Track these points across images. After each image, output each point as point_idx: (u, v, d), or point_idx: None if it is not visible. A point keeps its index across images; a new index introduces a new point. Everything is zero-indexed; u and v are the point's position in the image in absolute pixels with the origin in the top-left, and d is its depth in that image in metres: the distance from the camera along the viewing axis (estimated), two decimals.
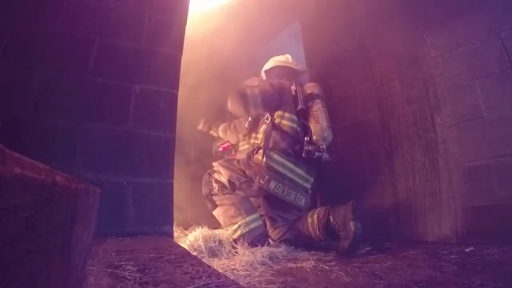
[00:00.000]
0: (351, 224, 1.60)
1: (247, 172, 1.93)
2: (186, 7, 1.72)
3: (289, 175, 1.93)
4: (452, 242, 1.66)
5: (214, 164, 2.04)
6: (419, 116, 1.93)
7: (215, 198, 1.94)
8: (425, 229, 1.82)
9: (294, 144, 1.99)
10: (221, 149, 2.40)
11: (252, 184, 1.90)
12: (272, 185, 1.87)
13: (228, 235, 1.84)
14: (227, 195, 1.92)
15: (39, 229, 0.34)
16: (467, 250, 1.47)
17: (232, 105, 2.02)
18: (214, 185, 1.95)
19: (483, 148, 1.63)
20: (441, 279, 1.12)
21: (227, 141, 2.41)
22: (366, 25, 2.28)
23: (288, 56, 2.34)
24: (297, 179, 1.97)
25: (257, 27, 2.95)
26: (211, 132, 2.40)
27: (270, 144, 1.97)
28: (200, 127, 2.40)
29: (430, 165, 1.86)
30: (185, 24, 1.71)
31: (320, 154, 1.94)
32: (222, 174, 1.95)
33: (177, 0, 1.69)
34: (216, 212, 1.94)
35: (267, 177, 1.87)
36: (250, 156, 1.99)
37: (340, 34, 2.43)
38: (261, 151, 1.95)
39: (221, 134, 2.43)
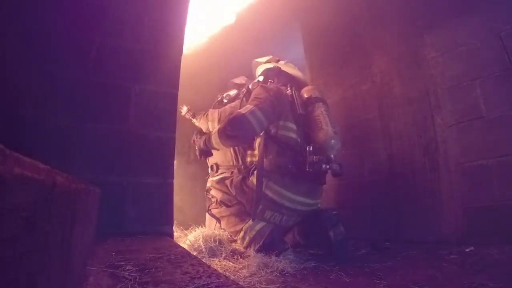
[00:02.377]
0: (330, 234, 1.58)
1: (239, 198, 1.76)
2: (186, 6, 1.72)
3: (287, 204, 1.67)
4: (452, 242, 1.66)
5: (208, 181, 1.99)
6: (419, 116, 1.93)
7: (214, 211, 1.87)
8: (425, 229, 1.82)
9: (295, 157, 1.71)
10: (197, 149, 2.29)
11: (245, 208, 1.72)
12: (268, 214, 1.66)
13: (240, 245, 1.69)
14: (224, 207, 1.82)
15: (39, 229, 0.34)
16: (467, 250, 1.47)
17: (234, 139, 1.73)
18: (213, 199, 1.91)
19: (483, 148, 1.63)
20: (441, 279, 1.12)
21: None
22: (366, 25, 2.28)
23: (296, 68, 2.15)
24: (298, 207, 1.71)
25: (258, 26, 2.95)
26: (194, 120, 2.26)
27: (266, 163, 1.70)
28: (183, 113, 2.25)
29: (430, 165, 1.86)
30: (185, 23, 1.71)
31: (327, 166, 1.66)
32: (215, 195, 1.90)
33: (177, 0, 1.69)
34: (223, 227, 1.82)
35: (261, 206, 1.64)
36: (245, 177, 1.77)
37: (340, 34, 2.43)
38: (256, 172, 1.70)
39: (197, 123, 2.22)
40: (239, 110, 1.74)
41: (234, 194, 1.79)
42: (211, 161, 2.07)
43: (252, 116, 1.67)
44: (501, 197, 1.54)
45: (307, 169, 1.64)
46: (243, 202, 1.73)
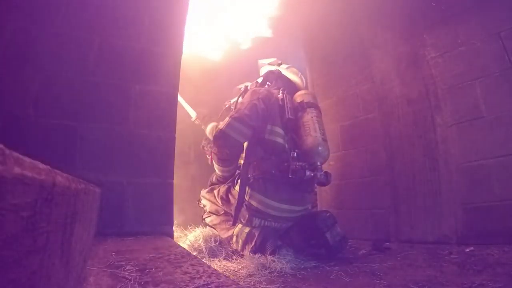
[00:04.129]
0: (327, 236, 1.58)
1: (225, 209, 1.78)
2: (186, 7, 1.72)
3: (272, 213, 1.66)
4: (452, 242, 1.66)
5: (201, 192, 2.04)
6: (419, 116, 1.93)
7: (207, 220, 1.91)
8: (425, 229, 1.82)
9: (280, 163, 1.66)
10: (210, 160, 2.30)
11: (232, 218, 1.73)
12: (256, 222, 1.65)
13: (237, 249, 1.68)
14: (214, 215, 1.88)
15: (39, 229, 0.34)
16: (467, 250, 1.47)
17: (226, 157, 1.72)
18: (204, 208, 1.95)
19: (483, 148, 1.63)
20: (441, 279, 1.12)
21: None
22: (366, 25, 2.28)
23: (303, 79, 2.11)
24: (284, 214, 1.68)
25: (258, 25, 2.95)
26: (203, 127, 2.28)
27: (250, 169, 1.70)
28: (193, 119, 2.28)
29: (430, 165, 1.86)
30: (185, 23, 1.71)
31: (311, 174, 1.62)
32: (205, 204, 1.95)
33: (176, 0, 1.69)
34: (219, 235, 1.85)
35: (247, 216, 1.64)
36: (230, 187, 1.79)
37: (341, 34, 2.43)
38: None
39: (207, 133, 2.19)
40: (218, 126, 1.75)
41: (220, 204, 1.82)
42: None
43: (230, 128, 1.66)
44: (501, 197, 1.54)
45: (290, 176, 1.60)
46: (230, 212, 1.75)
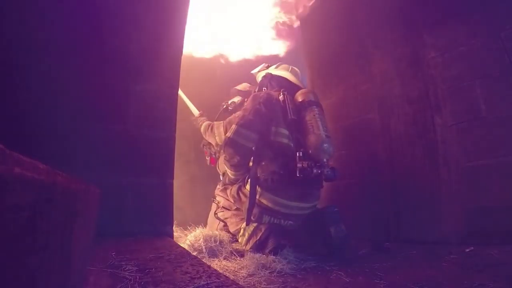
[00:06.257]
0: (331, 230, 1.60)
1: (237, 205, 1.88)
2: (186, 6, 1.72)
3: (283, 210, 1.69)
4: (452, 242, 1.66)
5: (216, 190, 2.14)
6: (419, 116, 1.93)
7: (219, 214, 2.00)
8: (425, 229, 1.82)
9: (287, 163, 1.70)
10: (208, 161, 2.31)
11: (243, 217, 1.76)
12: (266, 219, 1.69)
13: (241, 243, 1.72)
14: (226, 210, 1.97)
15: (39, 229, 0.34)
16: (467, 250, 1.47)
17: (238, 163, 1.78)
18: (219, 204, 2.04)
19: (483, 148, 1.63)
20: (441, 279, 1.12)
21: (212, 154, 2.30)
22: (366, 25, 2.28)
23: (296, 70, 2.11)
24: (294, 211, 1.72)
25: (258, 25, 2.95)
26: (198, 126, 2.32)
27: (259, 170, 1.74)
28: (195, 116, 2.33)
29: (430, 165, 1.86)
30: (185, 23, 1.71)
31: (319, 171, 1.65)
32: (219, 200, 2.05)
33: (177, 0, 1.69)
34: (229, 229, 1.92)
35: (257, 213, 1.68)
36: (241, 186, 1.86)
37: (341, 35, 2.43)
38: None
39: (202, 131, 2.25)
40: (227, 134, 1.80)
41: (232, 202, 1.91)
42: (221, 169, 2.12)
43: (238, 136, 1.71)
44: (501, 197, 1.54)
45: (297, 175, 1.63)
46: (242, 209, 1.81)
